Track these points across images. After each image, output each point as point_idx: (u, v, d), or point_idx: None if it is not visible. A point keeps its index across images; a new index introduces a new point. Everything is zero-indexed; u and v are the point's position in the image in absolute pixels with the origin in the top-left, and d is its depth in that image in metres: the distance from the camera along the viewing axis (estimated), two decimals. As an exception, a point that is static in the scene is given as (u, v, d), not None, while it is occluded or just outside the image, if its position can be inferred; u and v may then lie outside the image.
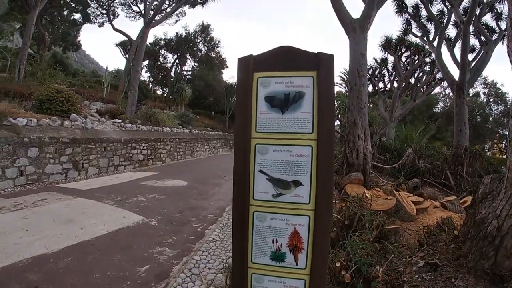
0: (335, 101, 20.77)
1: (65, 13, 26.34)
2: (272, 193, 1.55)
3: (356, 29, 7.54)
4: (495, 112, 29.68)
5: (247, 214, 1.57)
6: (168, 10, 21.72)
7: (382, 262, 3.02)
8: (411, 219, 4.98)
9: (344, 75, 22.81)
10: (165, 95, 31.80)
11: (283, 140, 1.53)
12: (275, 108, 1.55)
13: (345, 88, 23.35)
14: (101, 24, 26.25)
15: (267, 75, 1.56)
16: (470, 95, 28.32)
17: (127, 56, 26.24)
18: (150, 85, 32.46)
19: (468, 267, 3.24)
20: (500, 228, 3.04)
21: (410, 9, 15.85)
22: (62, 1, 23.94)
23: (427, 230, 4.25)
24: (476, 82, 26.73)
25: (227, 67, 35.94)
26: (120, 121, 12.46)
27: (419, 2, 14.95)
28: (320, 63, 1.50)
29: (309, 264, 1.53)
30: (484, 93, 31.24)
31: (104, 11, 25.29)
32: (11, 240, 4.05)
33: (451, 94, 19.04)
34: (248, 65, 1.57)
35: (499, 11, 13.35)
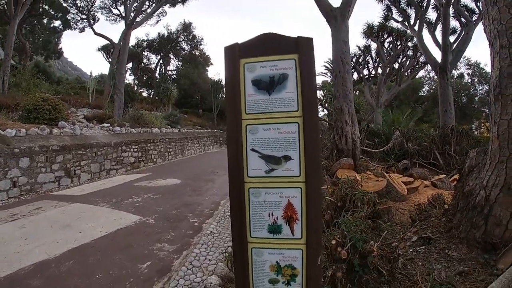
0: (321, 91, 20.94)
1: (45, 21, 25.85)
2: (264, 169, 1.64)
3: (337, 18, 7.63)
4: (480, 92, 30.11)
5: (243, 192, 1.65)
6: (149, 10, 21.56)
7: (376, 239, 3.12)
8: (402, 199, 5.11)
9: (329, 64, 22.93)
10: (151, 96, 31.50)
11: (271, 119, 1.63)
12: (262, 91, 1.64)
13: (330, 77, 23.47)
14: (82, 30, 25.88)
15: (252, 60, 1.65)
16: (454, 76, 28.74)
17: (110, 60, 25.91)
18: (136, 88, 32.17)
19: (460, 238, 3.35)
20: (488, 197, 3.15)
21: (390, -5, 16.03)
22: (41, 9, 23.50)
23: (418, 207, 4.37)
24: (459, 64, 27.17)
25: (211, 64, 35.79)
26: (108, 125, 12.40)
27: (398, -13, 15.13)
28: (300, 46, 1.60)
29: (305, 233, 1.62)
30: (468, 74, 31.74)
31: (84, 16, 24.92)
32: (11, 249, 4.07)
33: (435, 77, 19.30)
34: (234, 52, 1.65)
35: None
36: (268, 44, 1.63)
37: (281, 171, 1.62)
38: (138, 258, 3.92)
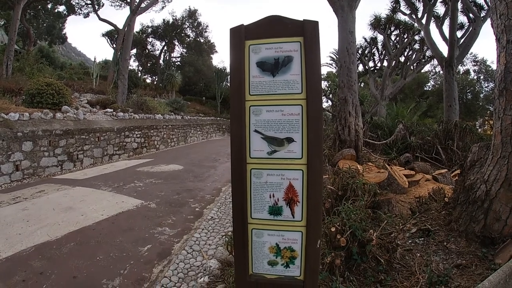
0: (326, 81, 20.84)
1: (49, 6, 25.72)
2: (267, 151, 1.65)
3: (344, 7, 7.57)
4: (486, 89, 29.81)
5: (245, 172, 1.67)
6: (154, -4, 21.39)
7: (375, 229, 3.14)
8: (403, 192, 5.13)
9: (334, 55, 22.78)
10: (155, 83, 31.40)
11: (275, 101, 1.63)
12: (266, 72, 1.64)
13: (335, 68, 23.34)
14: (86, 15, 25.77)
15: (257, 42, 1.65)
16: (460, 72, 28.46)
17: (114, 45, 25.85)
18: (140, 74, 31.98)
19: (459, 231, 3.37)
20: (488, 192, 3.16)
21: (398, -13, 15.85)
22: (45, -6, 23.41)
23: (419, 200, 4.38)
24: (466, 60, 26.95)
25: (216, 51, 35.44)
26: (111, 110, 12.40)
27: (407, -21, 14.95)
28: (306, 29, 1.59)
29: (305, 216, 1.64)
30: (474, 71, 31.40)
31: (89, 1, 24.80)
32: (13, 231, 4.10)
33: (441, 72, 19.13)
34: (240, 34, 1.65)
35: (487, -13, 13.37)
36: (274, 26, 1.63)
37: (283, 153, 1.64)
38: (139, 241, 3.96)
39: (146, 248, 3.79)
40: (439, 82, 30.25)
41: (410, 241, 3.51)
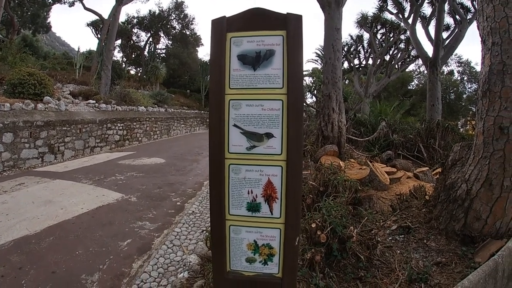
0: (311, 78, 20.90)
1: (34, -7, 25.00)
2: (246, 146, 1.62)
3: (331, 4, 7.56)
4: (469, 90, 30.46)
5: (223, 168, 1.64)
6: (141, -13, 20.99)
7: (356, 225, 3.15)
8: (384, 188, 5.17)
9: (320, 51, 22.87)
10: (139, 74, 30.88)
11: (255, 95, 1.60)
12: (247, 66, 1.61)
13: (320, 64, 23.44)
14: (72, 4, 25.07)
15: (239, 34, 1.61)
16: (444, 72, 29.00)
17: (99, 36, 25.23)
18: (124, 65, 31.28)
19: (439, 229, 3.42)
20: (469, 191, 3.21)
21: (386, -14, 15.97)
22: (30, -19, 22.69)
23: (400, 197, 4.43)
24: (450, 60, 27.41)
25: (202, 44, 34.89)
26: (94, 102, 12.17)
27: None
28: (289, 23, 1.56)
29: (284, 213, 1.62)
30: (458, 72, 32.07)
31: (74, -10, 24.17)
32: (-9, 225, 3.99)
33: (425, 71, 19.44)
34: (222, 25, 1.61)
35: (475, -10, 13.57)
36: (256, 19, 1.59)
37: (262, 148, 1.61)
38: (119, 235, 3.91)
39: (126, 242, 3.74)
40: (423, 82, 30.70)
41: (390, 238, 3.55)
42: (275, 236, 1.66)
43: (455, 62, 31.31)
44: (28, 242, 3.60)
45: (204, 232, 3.96)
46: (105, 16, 21.01)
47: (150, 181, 6.48)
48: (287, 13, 1.57)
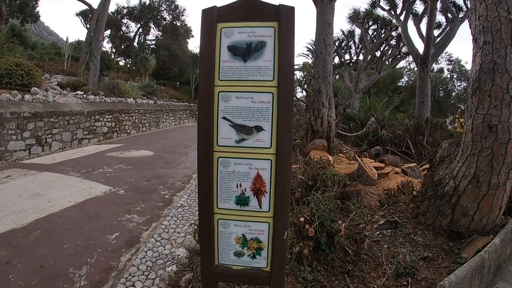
0: (301, 72, 20.94)
1: (24, -18, 24.45)
2: (235, 139, 1.60)
3: (323, -2, 7.55)
4: (458, 88, 30.91)
5: (212, 160, 1.62)
6: (132, -24, 20.66)
7: (344, 219, 3.18)
8: (372, 183, 5.22)
9: (311, 45, 22.90)
10: (128, 66, 30.53)
11: (245, 88, 1.58)
12: (237, 57, 1.58)
13: (311, 58, 23.48)
14: (61, -8, 24.65)
15: (230, 25, 1.58)
16: (434, 70, 29.25)
17: (88, 26, 24.83)
18: (113, 56, 30.81)
19: (426, 224, 3.47)
20: (456, 188, 3.26)
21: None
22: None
23: (387, 192, 4.47)
24: (441, 58, 27.67)
25: (192, 36, 34.55)
26: (82, 93, 11.95)
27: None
28: (281, 15, 1.53)
29: (272, 207, 1.62)
30: (448, 70, 32.39)
31: (63, -22, 23.66)
32: (-22, 218, 3.93)
33: (415, 68, 19.59)
34: (212, 15, 1.58)
35: (468, -11, 13.65)
36: (248, 10, 1.56)
37: (251, 141, 1.59)
38: (107, 228, 3.87)
39: (114, 236, 3.71)
40: (412, 79, 30.97)
41: (378, 233, 3.58)
42: (263, 230, 1.65)
43: (445, 60, 31.63)
44: (16, 236, 3.54)
45: (193, 225, 3.94)
46: (95, 5, 20.58)
47: (138, 174, 6.42)
48: (280, 4, 1.54)
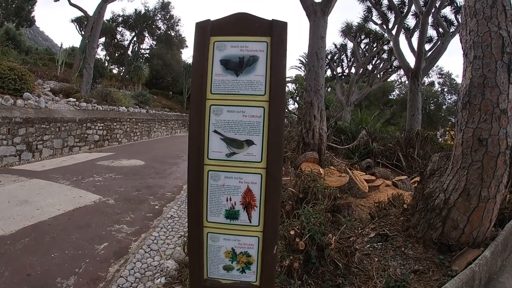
0: (294, 84, 21.10)
1: (20, -15, 24.38)
2: (226, 152, 1.60)
3: (317, 12, 7.65)
4: (449, 101, 31.35)
5: (202, 174, 1.61)
6: (128, -15, 20.76)
7: (334, 232, 3.17)
8: (363, 196, 5.24)
9: (304, 58, 23.12)
10: (121, 74, 30.42)
11: (236, 101, 1.59)
12: (230, 71, 1.59)
13: (304, 71, 23.69)
14: (57, -2, 24.56)
15: (223, 39, 1.60)
16: (425, 83, 29.70)
17: (83, 32, 24.74)
18: (106, 64, 30.71)
19: (417, 237, 3.48)
20: (447, 201, 3.28)
21: (372, -3, 16.26)
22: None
23: (378, 205, 4.48)
24: (431, 72, 28.11)
25: (186, 46, 34.60)
26: (74, 100, 11.90)
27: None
28: (274, 30, 1.55)
29: (262, 221, 1.61)
30: (439, 83, 32.92)
31: (61, -16, 23.62)
32: (-35, 224, 3.86)
33: (406, 82, 19.89)
34: (206, 29, 1.59)
35: (458, 5, 13.91)
36: (241, 24, 1.58)
37: (242, 155, 1.60)
38: (95, 238, 3.82)
39: (103, 246, 3.65)
40: (404, 92, 31.36)
41: (368, 246, 3.58)
42: (253, 244, 1.64)
43: (436, 74, 32.19)
44: (3, 243, 3.49)
45: (182, 237, 3.91)
46: (90, 13, 20.59)
47: (128, 183, 6.36)
48: (272, 19, 1.56)
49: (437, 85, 32.85)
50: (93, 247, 3.60)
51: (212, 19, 1.62)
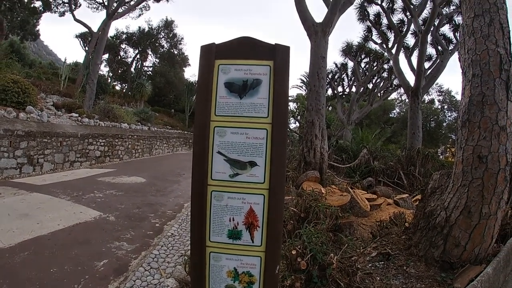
0: (295, 103, 21.26)
1: (26, 0, 24.84)
2: (229, 173, 1.63)
3: (318, 33, 7.78)
4: (449, 118, 31.54)
5: (205, 194, 1.64)
6: (132, 3, 21.19)
7: (336, 252, 3.16)
8: (365, 215, 5.21)
9: (305, 77, 23.36)
10: (124, 90, 30.62)
11: (240, 123, 1.63)
12: (234, 93, 1.64)
13: (305, 90, 23.91)
14: (62, 14, 24.93)
15: (227, 62, 1.65)
16: (425, 101, 29.91)
17: (86, 48, 25.14)
18: (109, 80, 31.00)
19: (419, 256, 3.45)
20: (448, 219, 3.27)
21: (371, 17, 16.51)
22: (23, -13, 22.53)
23: (380, 223, 4.46)
24: (431, 89, 28.35)
25: (189, 65, 35.04)
26: (77, 115, 12.00)
27: (380, 10, 15.59)
28: (277, 54, 1.60)
29: (264, 241, 1.62)
30: (439, 100, 33.22)
31: (66, 0, 24.12)
32: (-36, 236, 3.85)
33: (407, 100, 20.01)
34: (210, 52, 1.64)
35: (457, 23, 14.15)
36: (245, 48, 1.63)
37: (245, 176, 1.62)
38: (95, 255, 3.79)
39: (102, 263, 3.63)
40: (404, 110, 31.56)
41: (370, 265, 3.55)
42: (255, 264, 1.65)
43: (436, 91, 32.54)
44: (1, 256, 3.48)
45: (183, 256, 3.88)
46: (95, 29, 20.98)
47: (129, 201, 6.35)
48: (275, 44, 1.61)
49: (437, 103, 33.20)
50: (92, 263, 3.57)
51: (216, 42, 1.67)
